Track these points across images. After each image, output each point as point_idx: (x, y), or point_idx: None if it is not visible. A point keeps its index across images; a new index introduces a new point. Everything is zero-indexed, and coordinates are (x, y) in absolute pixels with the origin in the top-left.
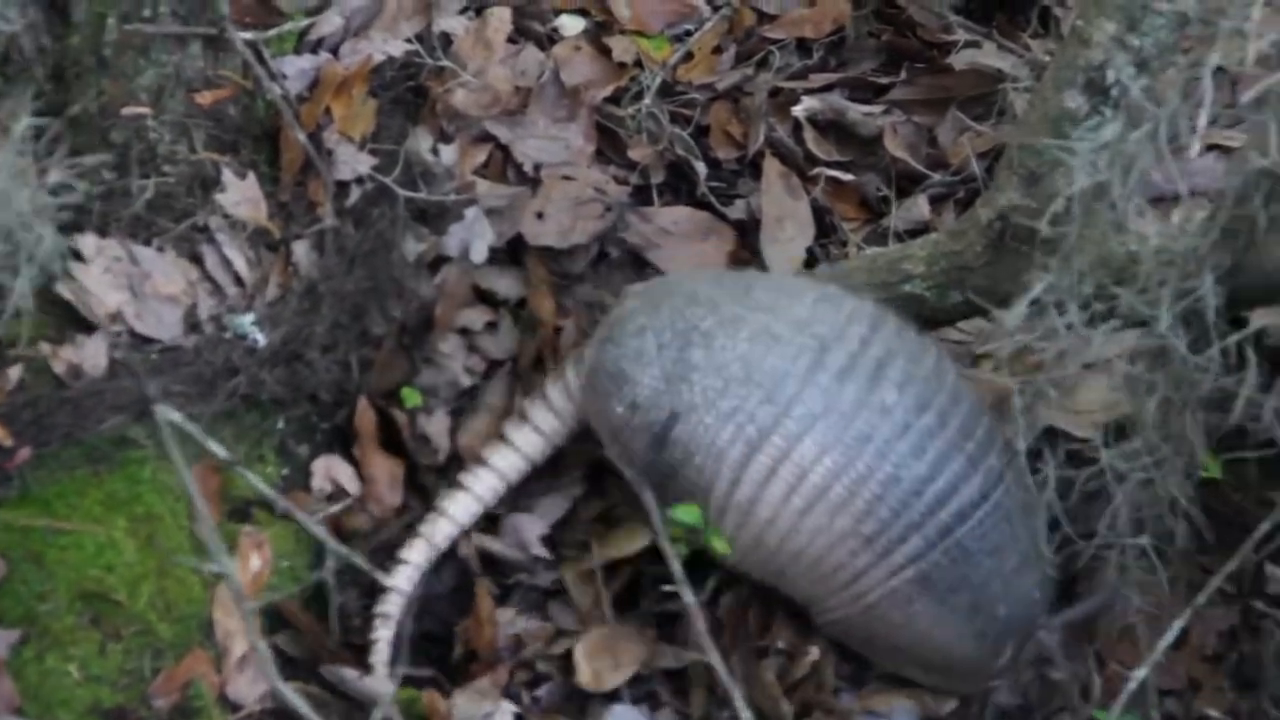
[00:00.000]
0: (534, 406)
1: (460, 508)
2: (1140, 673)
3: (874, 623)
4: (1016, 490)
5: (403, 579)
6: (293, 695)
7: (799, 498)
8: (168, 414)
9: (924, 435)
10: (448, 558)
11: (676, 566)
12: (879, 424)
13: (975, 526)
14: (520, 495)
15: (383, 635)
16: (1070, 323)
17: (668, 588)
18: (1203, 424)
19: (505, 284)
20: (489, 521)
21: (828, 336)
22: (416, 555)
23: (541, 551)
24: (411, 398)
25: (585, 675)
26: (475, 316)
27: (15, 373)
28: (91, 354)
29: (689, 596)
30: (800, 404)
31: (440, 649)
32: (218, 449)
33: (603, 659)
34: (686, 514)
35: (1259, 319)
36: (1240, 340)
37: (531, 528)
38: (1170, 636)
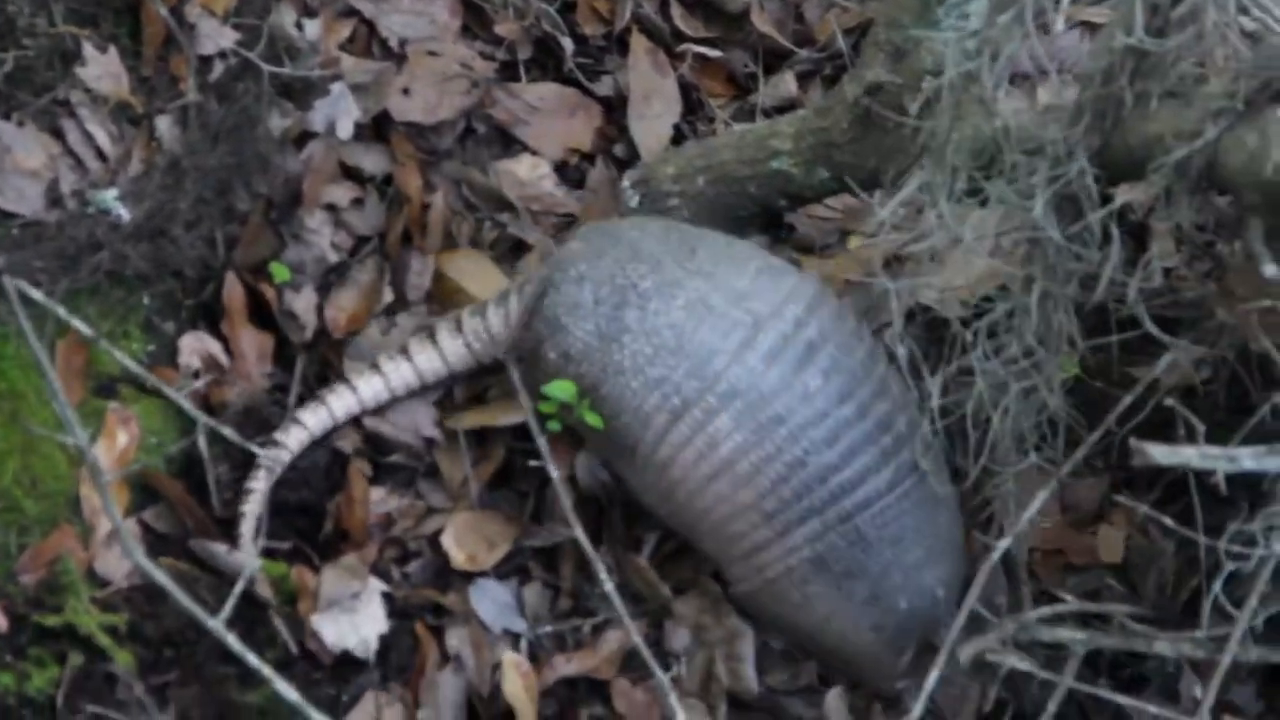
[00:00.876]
0: (471, 319)
1: (370, 389)
2: (1003, 543)
3: (775, 600)
4: (931, 488)
5: (294, 440)
6: (154, 569)
7: (707, 465)
8: (22, 288)
9: (840, 424)
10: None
11: (543, 442)
12: (797, 408)
13: (877, 515)
14: None
15: (250, 510)
16: (941, 214)
17: (535, 463)
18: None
19: (372, 160)
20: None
21: (763, 314)
22: (314, 420)
23: (435, 434)
24: (280, 273)
25: (459, 558)
26: (342, 193)
27: None
28: None
29: (554, 472)
30: (724, 381)
31: (311, 522)
32: (82, 325)
33: (474, 540)
34: (560, 389)
35: (1123, 195)
36: (1106, 218)
37: (424, 411)
38: (1035, 506)
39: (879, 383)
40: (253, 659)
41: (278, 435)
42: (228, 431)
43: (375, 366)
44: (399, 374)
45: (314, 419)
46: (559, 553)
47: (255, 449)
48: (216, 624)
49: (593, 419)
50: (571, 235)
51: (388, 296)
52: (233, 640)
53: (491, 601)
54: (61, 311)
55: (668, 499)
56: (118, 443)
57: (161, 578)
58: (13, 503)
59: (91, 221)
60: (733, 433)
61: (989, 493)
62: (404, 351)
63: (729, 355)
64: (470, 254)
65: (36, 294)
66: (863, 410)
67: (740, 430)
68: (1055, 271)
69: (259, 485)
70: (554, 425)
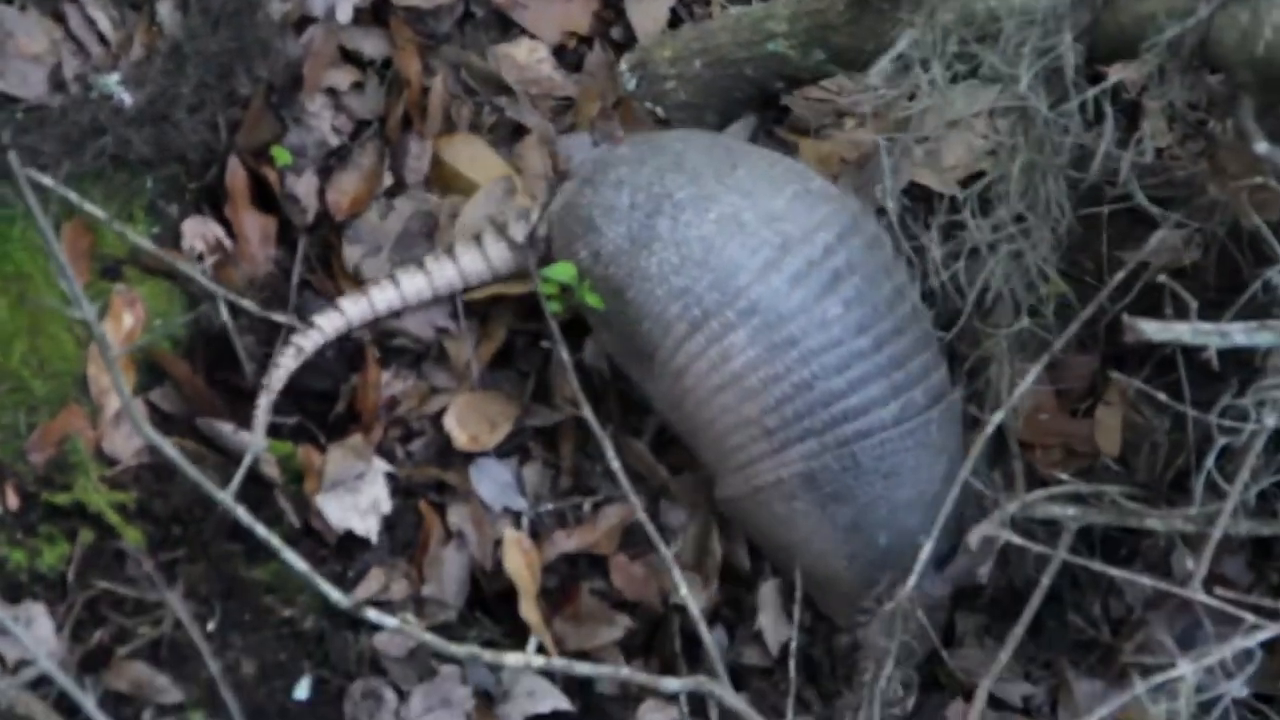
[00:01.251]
0: (516, 224)
1: (414, 286)
2: (998, 416)
3: (759, 509)
4: (937, 434)
5: (330, 325)
6: (163, 442)
7: (718, 376)
8: (31, 174)
9: (853, 354)
10: None
11: (553, 325)
12: (813, 333)
13: (876, 446)
14: None
15: (272, 385)
16: (933, 79)
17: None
18: (1065, 188)
19: (371, 44)
20: None
21: (792, 237)
22: (354, 310)
23: (449, 324)
24: (282, 156)
25: (461, 439)
26: (341, 77)
27: None
28: None
29: (563, 352)
30: (745, 298)
31: (320, 403)
32: (93, 208)
33: (476, 421)
34: (561, 272)
35: (1116, 74)
36: (1098, 95)
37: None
38: (1031, 379)
39: (900, 319)
40: (261, 530)
41: (316, 319)
42: (248, 304)
43: (420, 265)
44: (442, 274)
45: (354, 309)
46: (559, 432)
47: (283, 319)
48: (225, 496)
49: (593, 300)
50: (618, 143)
51: (387, 180)
52: (242, 512)
53: (492, 481)
54: (73, 196)
55: (677, 407)
56: (123, 324)
57: (170, 451)
58: (21, 383)
59: (95, 106)
60: (746, 348)
61: (984, 351)
62: (449, 252)
63: (753, 273)
64: (468, 138)
65: (46, 179)
66: (879, 344)
67: (754, 346)
68: (1042, 143)
69: (287, 362)
70: (555, 306)
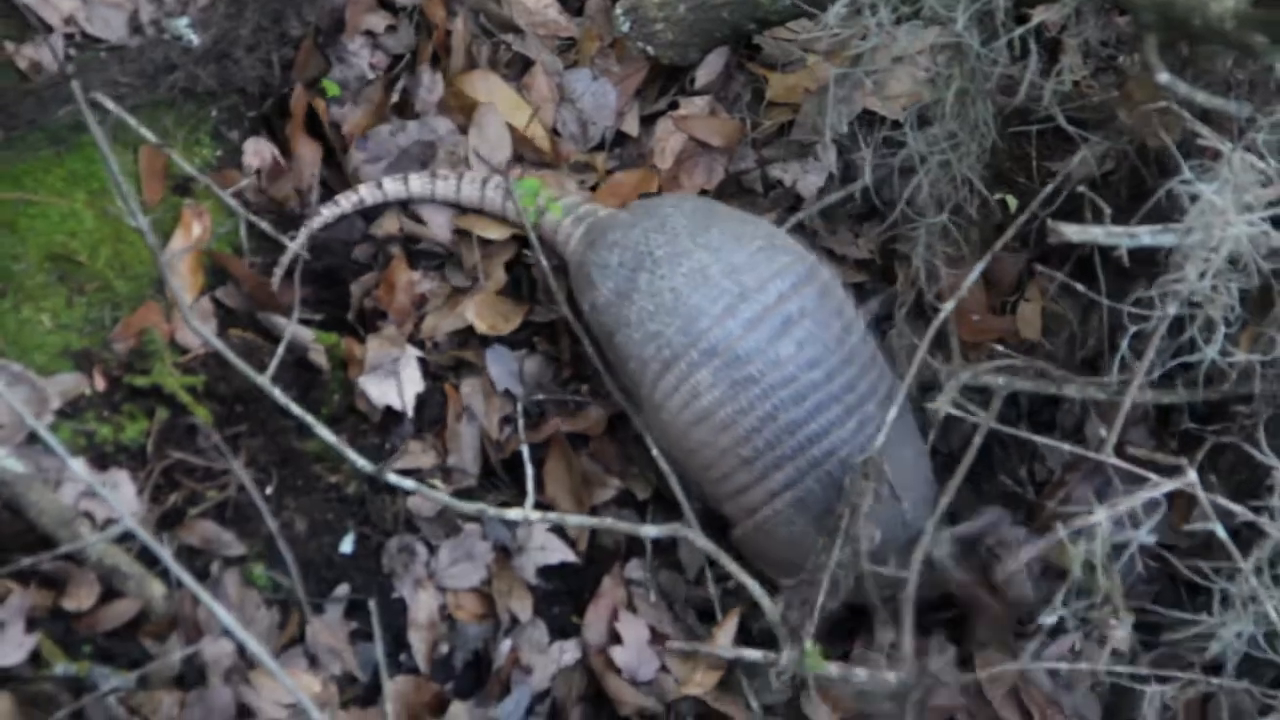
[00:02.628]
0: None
1: (419, 186)
2: (949, 305)
3: (769, 540)
4: (895, 430)
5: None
6: (213, 338)
7: (690, 412)
8: (100, 101)
9: (807, 387)
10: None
11: (532, 236)
12: (768, 371)
13: (844, 461)
14: None
15: (318, 220)
16: (881, 21)
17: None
18: (992, 110)
19: None
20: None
21: (749, 287)
22: (392, 187)
23: (449, 237)
24: (331, 88)
25: (481, 326)
26: (378, 20)
27: None
28: (49, 52)
29: (542, 260)
30: (705, 340)
31: (345, 301)
32: (151, 136)
33: (492, 315)
34: (527, 186)
35: (1039, 15)
36: (1024, 34)
37: (443, 215)
38: (975, 274)
39: (849, 350)
40: (296, 409)
41: (361, 188)
42: (264, 225)
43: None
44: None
45: (392, 185)
46: (557, 329)
47: (288, 242)
48: (264, 380)
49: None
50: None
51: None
52: (278, 393)
53: (502, 365)
54: (131, 120)
55: (664, 436)
56: (193, 232)
57: (219, 344)
58: (106, 283)
59: (166, 46)
60: (711, 386)
61: (905, 247)
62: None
63: (712, 319)
64: (485, 73)
65: (109, 104)
66: (830, 375)
67: (718, 385)
68: (974, 74)
69: (329, 210)
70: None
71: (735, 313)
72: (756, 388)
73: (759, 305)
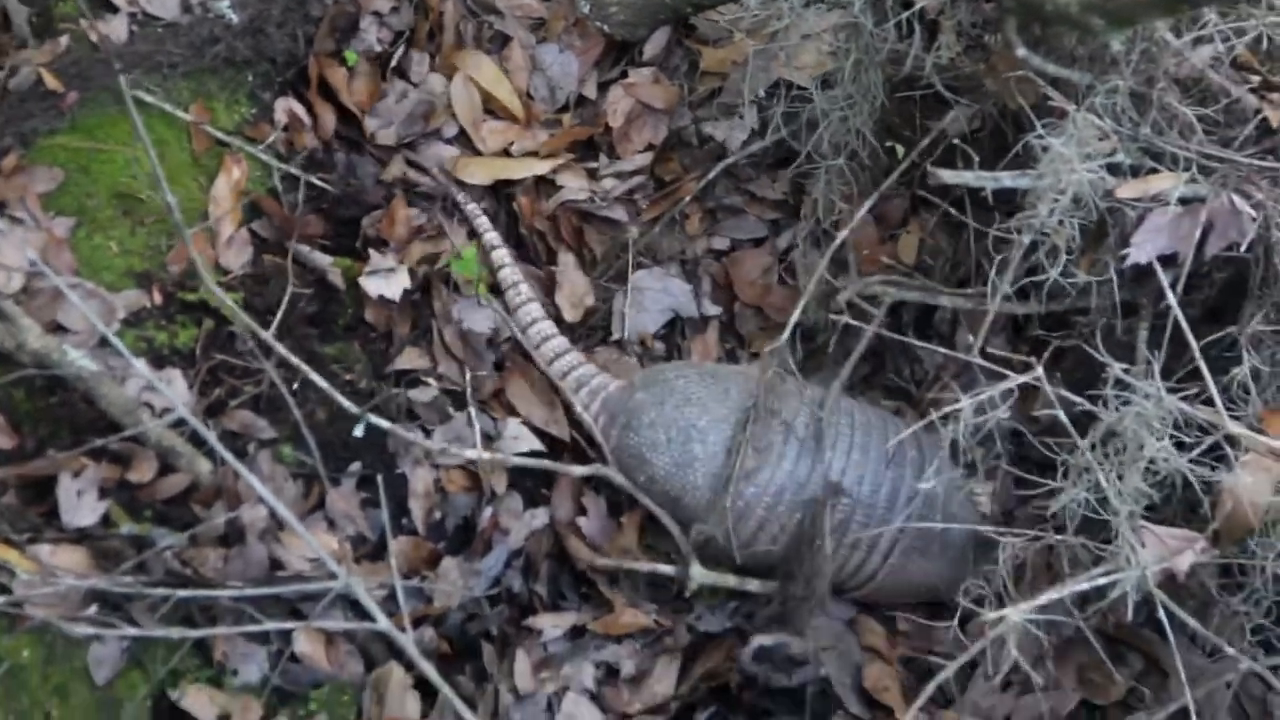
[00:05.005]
0: (569, 355)
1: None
2: (843, 234)
3: (891, 583)
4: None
5: None
6: (220, 292)
7: (773, 526)
8: (134, 80)
9: (866, 469)
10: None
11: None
12: (819, 482)
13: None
14: None
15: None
16: (792, 5)
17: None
18: (882, 77)
19: None
20: None
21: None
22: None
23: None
24: (351, 57)
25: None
26: (384, 2)
27: (64, 40)
28: (116, 27)
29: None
30: (761, 474)
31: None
32: (176, 110)
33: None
34: (466, 259)
35: (921, 1)
36: (909, 16)
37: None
38: (866, 206)
39: (880, 447)
40: (282, 349)
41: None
42: (296, 170)
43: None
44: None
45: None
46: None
47: (312, 179)
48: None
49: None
50: (629, 387)
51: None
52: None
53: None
54: (148, 98)
55: (764, 559)
56: (233, 176)
57: (224, 299)
58: (162, 216)
59: (211, 22)
60: (793, 513)
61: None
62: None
63: (771, 465)
64: (474, 52)
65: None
66: (865, 448)
67: (799, 510)
68: (868, 48)
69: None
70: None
71: (784, 454)
72: (806, 492)
73: (795, 444)
